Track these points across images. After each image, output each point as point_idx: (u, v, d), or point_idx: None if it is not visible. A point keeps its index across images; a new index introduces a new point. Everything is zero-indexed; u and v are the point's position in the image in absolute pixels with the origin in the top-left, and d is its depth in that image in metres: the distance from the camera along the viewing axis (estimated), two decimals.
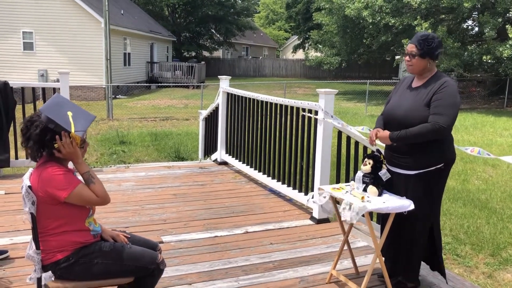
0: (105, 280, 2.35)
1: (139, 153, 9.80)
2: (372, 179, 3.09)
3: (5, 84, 5.58)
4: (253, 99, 5.77)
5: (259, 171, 5.72)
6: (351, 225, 3.37)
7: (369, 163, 3.11)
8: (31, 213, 2.21)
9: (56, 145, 2.23)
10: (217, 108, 6.89)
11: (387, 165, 3.21)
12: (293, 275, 3.46)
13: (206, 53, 41.08)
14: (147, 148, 10.33)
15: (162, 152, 9.76)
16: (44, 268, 2.29)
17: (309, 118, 4.68)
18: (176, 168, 6.60)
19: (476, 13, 18.99)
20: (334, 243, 4.08)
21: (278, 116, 5.30)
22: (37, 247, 2.25)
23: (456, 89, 2.97)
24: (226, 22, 39.08)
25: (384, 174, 3.11)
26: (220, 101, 6.66)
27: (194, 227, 4.35)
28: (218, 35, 41.24)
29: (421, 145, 2.97)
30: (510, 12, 15.95)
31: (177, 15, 40.31)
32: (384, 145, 3.22)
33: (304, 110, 4.71)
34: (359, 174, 3.16)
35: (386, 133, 3.06)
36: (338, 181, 4.58)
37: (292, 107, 4.97)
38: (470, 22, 21.72)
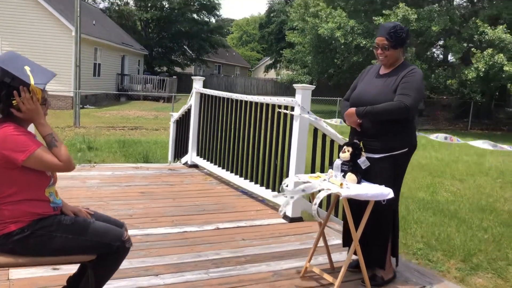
0: (64, 256, 2.12)
1: (105, 158, 9.46)
2: (351, 166, 3.00)
3: None
4: (227, 98, 5.65)
5: (231, 172, 5.56)
6: (328, 216, 3.26)
7: (348, 151, 3.02)
8: None
9: (14, 102, 2.03)
10: (189, 110, 6.73)
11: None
12: (266, 269, 3.30)
13: (178, 69, 40.89)
14: (114, 154, 10.00)
15: (130, 157, 9.45)
16: None
17: (285, 115, 4.59)
18: (144, 169, 6.37)
19: (443, 39, 19.65)
20: (308, 240, 3.94)
21: (252, 115, 5.19)
22: None
23: (422, 77, 3.08)
24: (199, 39, 39.13)
25: (363, 162, 3.03)
26: (192, 102, 6.51)
27: (162, 222, 4.14)
28: (190, 52, 41.18)
29: (388, 129, 3.02)
30: (475, 37, 16.51)
31: (150, 30, 40.12)
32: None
33: (280, 107, 4.62)
34: (338, 162, 3.06)
35: (352, 109, 3.08)
36: None
37: (268, 104, 4.86)
38: (436, 50, 22.46)
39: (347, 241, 3.29)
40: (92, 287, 2.18)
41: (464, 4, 21.11)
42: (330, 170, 3.10)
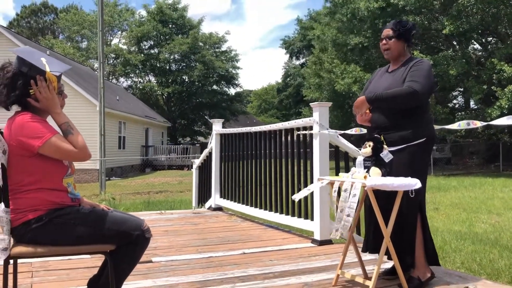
0: (83, 245, 2.06)
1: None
2: (374, 161, 2.90)
3: None
4: (246, 133, 5.67)
5: (255, 207, 5.45)
6: (357, 217, 3.11)
7: (369, 145, 2.93)
8: (1, 164, 1.99)
9: (31, 91, 2.07)
10: (210, 154, 6.76)
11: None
12: (296, 281, 3.11)
13: (201, 138, 41.69)
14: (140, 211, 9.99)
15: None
16: (13, 230, 2.02)
17: (304, 137, 4.55)
18: (169, 214, 6.31)
19: (461, 83, 19.66)
20: (339, 258, 3.73)
21: (272, 143, 5.17)
22: (7, 205, 1.99)
23: (430, 66, 3.05)
24: (220, 108, 40.17)
25: (386, 155, 2.93)
26: (213, 144, 6.55)
27: (186, 251, 4.02)
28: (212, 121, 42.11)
29: (402, 120, 2.95)
30: (494, 77, 16.47)
31: (172, 103, 41.50)
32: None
33: (298, 129, 4.59)
34: (360, 158, 2.97)
35: (362, 97, 3.04)
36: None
37: (286, 130, 4.85)
38: (456, 93, 22.44)
39: (369, 245, 3.10)
40: (113, 281, 2.08)
41: (479, 47, 21.32)
42: (353, 168, 3.01)
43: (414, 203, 2.91)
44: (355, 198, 2.70)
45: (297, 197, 3.24)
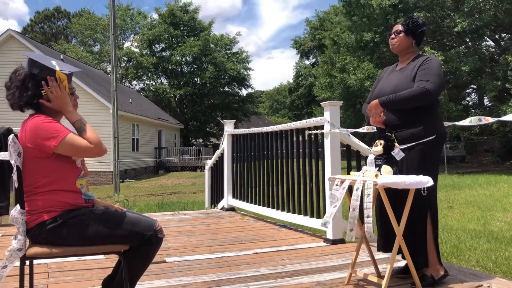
0: (97, 246, 2.09)
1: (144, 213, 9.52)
2: (385, 159, 2.89)
3: (9, 130, 5.57)
4: (258, 133, 5.69)
5: (268, 206, 5.46)
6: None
7: (380, 144, 2.93)
8: (17, 166, 2.03)
9: (43, 92, 2.11)
10: (222, 154, 6.79)
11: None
12: (309, 280, 3.12)
13: (213, 139, 41.80)
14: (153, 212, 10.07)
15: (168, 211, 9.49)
16: (29, 231, 2.06)
17: (316, 136, 4.55)
18: (182, 214, 6.35)
19: (475, 80, 19.43)
20: (352, 257, 3.73)
21: (284, 143, 5.18)
22: (22, 207, 2.04)
23: (440, 64, 3.03)
24: (232, 109, 40.24)
25: (397, 153, 2.92)
26: (225, 145, 6.58)
27: (199, 251, 4.05)
28: (224, 123, 42.22)
29: (412, 118, 2.95)
30: (508, 73, 16.26)
31: (184, 105, 41.69)
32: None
33: (310, 128, 4.60)
34: (371, 156, 2.96)
35: (375, 100, 3.03)
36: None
37: (298, 129, 4.86)
38: (469, 90, 22.19)
39: (383, 244, 3.08)
40: (126, 281, 2.11)
41: (492, 44, 21.04)
42: (364, 167, 3.00)
43: (425, 201, 2.90)
44: (369, 198, 2.69)
45: (327, 222, 3.19)
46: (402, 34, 3.08)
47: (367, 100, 3.37)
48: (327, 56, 21.65)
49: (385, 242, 3.02)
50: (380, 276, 3.13)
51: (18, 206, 2.05)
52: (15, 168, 2.03)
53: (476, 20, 16.38)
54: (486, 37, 19.48)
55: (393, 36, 3.13)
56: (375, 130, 3.44)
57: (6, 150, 5.48)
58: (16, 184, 2.04)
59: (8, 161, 5.53)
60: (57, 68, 2.12)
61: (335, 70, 20.44)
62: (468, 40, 19.62)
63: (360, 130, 3.82)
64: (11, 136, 2.04)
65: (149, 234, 2.15)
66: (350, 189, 3.02)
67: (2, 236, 4.84)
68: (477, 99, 21.01)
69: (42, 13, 53.20)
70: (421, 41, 3.19)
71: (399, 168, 2.90)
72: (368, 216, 2.67)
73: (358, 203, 2.77)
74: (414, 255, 2.90)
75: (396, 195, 2.88)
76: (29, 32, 49.76)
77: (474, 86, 20.82)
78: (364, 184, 2.74)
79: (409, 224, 2.86)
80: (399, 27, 3.11)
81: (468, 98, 22.87)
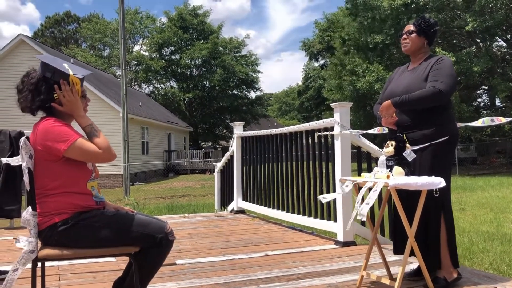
0: (107, 248, 2.09)
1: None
2: (397, 160, 2.86)
3: (20, 133, 5.61)
4: (267, 135, 5.68)
5: (278, 209, 5.44)
6: (380, 217, 3.08)
7: (392, 145, 2.90)
8: (28, 168, 2.04)
9: (55, 96, 2.12)
10: (232, 157, 6.78)
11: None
12: (320, 282, 3.09)
13: (223, 142, 41.85)
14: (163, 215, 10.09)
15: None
16: (40, 233, 2.06)
17: (326, 138, 4.53)
18: (192, 217, 6.35)
19: (486, 81, 19.24)
20: (363, 259, 3.70)
21: (293, 145, 5.16)
22: (34, 208, 2.04)
23: (452, 64, 2.99)
24: (241, 112, 40.25)
25: (409, 154, 2.89)
26: (234, 147, 6.57)
27: (209, 253, 4.04)
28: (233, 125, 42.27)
29: (424, 119, 2.92)
30: None
31: (193, 108, 41.81)
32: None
33: (319, 130, 4.57)
34: (382, 158, 2.94)
35: (388, 101, 2.99)
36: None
37: (307, 131, 4.84)
38: (480, 92, 21.97)
39: (399, 246, 3.05)
40: (137, 283, 2.11)
41: (504, 44, 20.83)
42: (375, 168, 2.98)
43: (438, 203, 2.86)
44: (375, 193, 2.67)
45: (324, 198, 3.19)
46: (414, 35, 3.05)
47: (378, 100, 3.34)
48: (337, 58, 21.57)
49: (403, 246, 2.97)
50: (392, 278, 3.10)
51: (29, 208, 2.05)
52: (26, 170, 2.03)
53: (487, 20, 16.24)
54: (497, 37, 19.29)
55: (405, 36, 3.10)
56: (386, 131, 3.42)
57: (18, 153, 5.52)
58: (27, 186, 2.05)
59: (19, 164, 5.59)
60: (71, 72, 2.12)
61: (345, 73, 20.36)
62: (479, 40, 19.46)
63: (371, 131, 3.78)
64: (22, 138, 2.05)
65: (160, 236, 2.14)
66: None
67: (13, 238, 4.86)
68: (489, 100, 20.79)
69: (53, 18, 53.76)
70: (433, 41, 3.17)
71: (412, 169, 2.87)
72: (367, 204, 2.62)
73: (371, 201, 2.72)
74: (427, 257, 2.86)
75: (409, 197, 2.85)
76: (40, 37, 50.28)
77: (486, 87, 20.62)
78: (374, 185, 2.71)
79: (422, 225, 2.83)
80: (410, 27, 3.08)
81: (479, 99, 22.67)
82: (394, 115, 3.03)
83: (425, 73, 2.95)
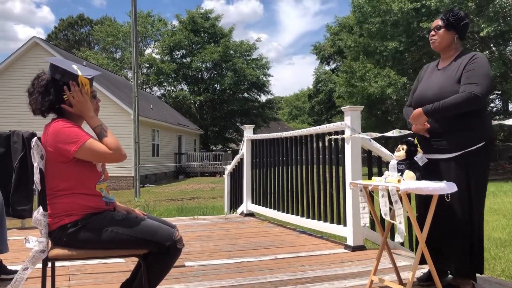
0: (115, 250, 2.09)
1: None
2: (408, 164, 2.83)
3: (32, 134, 5.67)
4: (277, 138, 5.67)
5: (287, 212, 5.42)
6: (390, 223, 3.05)
7: (403, 149, 2.87)
8: (40, 169, 2.06)
9: (65, 97, 2.13)
10: (241, 160, 6.78)
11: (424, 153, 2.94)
12: (329, 287, 3.07)
13: (233, 145, 41.91)
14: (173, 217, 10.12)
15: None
16: (51, 234, 2.08)
17: (336, 142, 4.51)
18: (201, 219, 6.36)
19: (499, 85, 19.04)
20: (373, 264, 3.67)
21: (303, 148, 5.14)
22: (45, 209, 2.06)
23: (487, 62, 2.77)
24: (251, 115, 40.30)
25: (420, 158, 2.85)
26: (244, 150, 6.57)
27: (218, 256, 4.04)
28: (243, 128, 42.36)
29: (458, 123, 2.72)
30: None
31: (204, 111, 41.95)
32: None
33: (330, 133, 4.56)
34: (393, 162, 2.91)
35: (419, 109, 2.82)
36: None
37: (317, 134, 4.82)
38: (494, 97, 21.73)
39: (435, 259, 2.84)
40: (146, 284, 2.11)
41: None
42: (386, 172, 2.95)
43: (465, 212, 2.75)
44: (398, 204, 2.62)
45: (365, 222, 3.10)
46: (442, 30, 2.85)
47: (407, 103, 3.17)
48: (346, 65, 21.47)
49: (437, 257, 2.81)
50: (402, 283, 3.07)
51: (40, 208, 2.07)
52: (37, 170, 2.05)
53: (501, 25, 16.07)
54: (511, 41, 19.09)
55: (432, 32, 2.90)
56: (402, 133, 3.32)
57: (30, 154, 5.58)
58: (39, 186, 2.06)
59: (32, 165, 5.64)
60: (79, 73, 2.14)
61: (356, 79, 20.25)
62: (492, 45, 19.27)
63: (389, 134, 3.64)
64: (34, 139, 2.07)
65: (168, 244, 2.12)
66: (370, 195, 2.98)
67: (24, 238, 4.90)
68: (501, 104, 20.56)
69: (66, 21, 54.36)
70: (464, 35, 2.93)
71: (435, 177, 2.75)
72: (400, 223, 2.56)
73: (388, 208, 2.68)
74: (470, 263, 2.77)
75: (442, 203, 2.75)
76: (53, 39, 50.86)
77: (499, 92, 20.39)
78: (386, 189, 2.69)
79: (450, 232, 2.76)
80: (438, 22, 2.88)
81: (492, 104, 22.42)
82: (426, 123, 2.86)
83: (458, 74, 2.74)
